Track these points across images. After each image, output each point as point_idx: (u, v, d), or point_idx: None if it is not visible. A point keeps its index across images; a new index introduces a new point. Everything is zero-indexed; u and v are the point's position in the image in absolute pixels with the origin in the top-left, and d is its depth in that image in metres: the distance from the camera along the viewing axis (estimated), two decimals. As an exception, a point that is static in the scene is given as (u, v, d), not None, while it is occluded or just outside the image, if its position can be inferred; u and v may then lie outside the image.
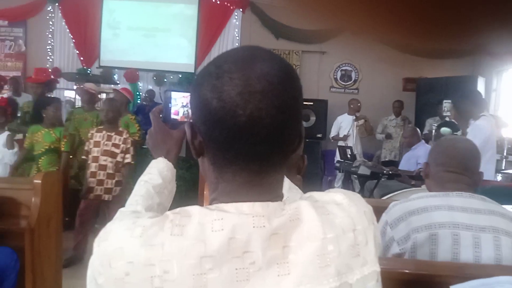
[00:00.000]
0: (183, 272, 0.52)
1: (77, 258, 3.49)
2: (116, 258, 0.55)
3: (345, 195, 0.63)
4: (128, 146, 3.52)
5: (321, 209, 0.59)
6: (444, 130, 3.99)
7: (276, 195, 0.61)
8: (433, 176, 1.30)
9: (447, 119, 4.55)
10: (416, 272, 1.00)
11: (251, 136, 0.57)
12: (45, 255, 2.09)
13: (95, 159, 3.45)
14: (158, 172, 0.93)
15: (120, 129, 3.62)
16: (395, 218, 1.22)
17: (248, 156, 0.59)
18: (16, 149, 3.39)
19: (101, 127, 3.58)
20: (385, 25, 0.22)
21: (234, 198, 0.59)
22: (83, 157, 3.59)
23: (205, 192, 2.18)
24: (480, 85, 6.26)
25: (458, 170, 1.25)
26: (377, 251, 0.62)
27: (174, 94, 1.15)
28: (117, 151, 3.48)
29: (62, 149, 3.65)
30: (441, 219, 1.15)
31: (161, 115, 1.05)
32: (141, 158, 4.06)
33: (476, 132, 3.44)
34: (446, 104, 4.35)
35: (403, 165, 4.43)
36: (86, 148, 3.53)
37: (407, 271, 1.00)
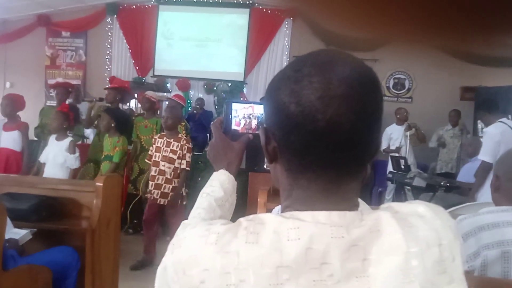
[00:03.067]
0: (259, 281, 0.51)
1: (147, 261, 3.61)
2: (191, 265, 0.54)
3: (429, 207, 0.59)
4: (185, 152, 3.61)
5: (403, 221, 0.55)
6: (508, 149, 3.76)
7: (353, 204, 0.59)
8: (504, 190, 1.22)
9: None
10: (490, 291, 0.94)
11: (330, 142, 0.55)
12: (104, 255, 2.17)
13: (156, 164, 3.58)
14: (220, 184, 0.92)
15: (179, 135, 3.72)
16: (463, 233, 1.15)
17: (325, 163, 0.57)
18: (77, 154, 3.57)
19: (163, 133, 3.70)
20: (441, 32, 0.21)
21: (309, 206, 0.57)
22: (146, 160, 3.74)
23: (259, 200, 2.18)
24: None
25: None
26: (464, 269, 0.58)
27: (235, 106, 1.16)
28: (175, 157, 3.58)
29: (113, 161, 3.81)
30: None
31: (222, 126, 1.05)
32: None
33: (486, 138, 3.36)
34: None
35: (462, 177, 4.19)
36: (150, 152, 3.68)
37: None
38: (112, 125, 3.76)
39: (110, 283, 2.28)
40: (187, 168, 3.63)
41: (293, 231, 0.53)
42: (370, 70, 0.57)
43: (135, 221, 4.28)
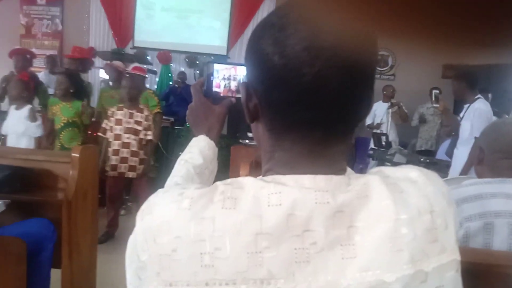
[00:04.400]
0: (236, 249, 0.47)
1: (110, 235, 3.57)
2: (162, 232, 0.49)
3: (421, 172, 0.55)
4: (150, 123, 3.55)
5: (394, 186, 0.52)
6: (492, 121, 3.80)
7: (340, 168, 0.54)
8: (488, 163, 1.21)
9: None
10: (472, 261, 0.93)
11: (316, 100, 0.50)
12: (82, 228, 2.12)
13: (118, 137, 3.48)
14: (199, 151, 0.87)
15: (141, 106, 3.63)
16: None
17: (311, 123, 0.52)
18: (39, 121, 3.45)
19: (121, 105, 3.59)
20: (421, 9, 0.19)
21: (293, 170, 0.52)
22: (99, 134, 3.60)
23: (240, 173, 2.15)
24: (525, 74, 5.96)
25: None
26: (457, 238, 0.55)
27: (216, 66, 1.09)
28: (140, 128, 3.51)
29: (84, 122, 3.69)
30: (497, 208, 1.07)
31: (202, 89, 0.99)
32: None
33: (477, 115, 3.30)
34: (435, 93, 4.10)
35: (441, 155, 4.27)
36: (103, 125, 3.55)
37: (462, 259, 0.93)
38: (71, 90, 3.61)
39: (88, 256, 2.24)
40: (154, 140, 3.58)
41: (275, 196, 0.49)
42: (366, 22, 0.52)
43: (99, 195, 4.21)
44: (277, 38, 0.50)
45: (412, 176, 0.54)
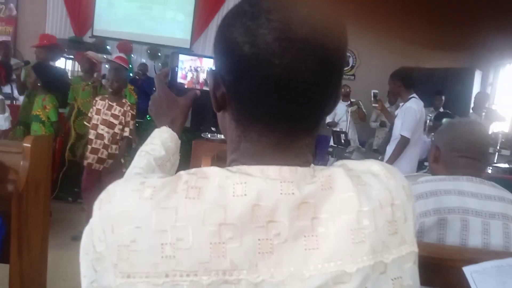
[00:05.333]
0: (199, 240, 0.46)
1: None
2: (121, 222, 0.48)
3: (383, 166, 0.56)
4: (128, 119, 3.44)
5: (357, 179, 0.52)
6: (446, 120, 3.97)
7: (305, 160, 0.54)
8: (445, 161, 1.25)
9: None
10: (427, 255, 0.96)
11: (286, 92, 0.49)
12: (32, 221, 2.02)
13: (94, 127, 3.38)
14: (161, 142, 0.85)
15: (123, 100, 3.52)
16: None
17: (279, 115, 0.51)
18: (7, 113, 3.28)
19: (106, 96, 3.49)
20: (383, 11, 0.20)
21: (259, 161, 0.52)
22: (85, 123, 3.51)
23: (202, 166, 2.12)
24: (477, 79, 6.26)
25: (475, 156, 1.21)
26: (415, 230, 0.56)
27: (182, 57, 1.07)
28: (115, 122, 3.40)
29: (50, 119, 3.55)
30: (450, 204, 1.12)
31: (167, 80, 0.97)
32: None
33: (408, 114, 3.45)
34: (374, 93, 4.27)
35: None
36: (89, 114, 3.46)
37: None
38: (38, 84, 3.47)
39: (39, 251, 2.14)
40: (130, 136, 3.47)
41: (240, 186, 0.48)
42: (337, 15, 0.52)
43: (76, 189, 4.07)
44: (249, 27, 0.49)
45: (374, 169, 0.55)
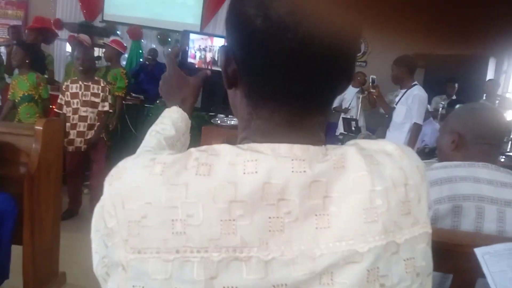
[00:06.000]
0: (209, 216, 0.46)
1: (73, 212, 3.48)
2: (131, 198, 0.47)
3: (397, 146, 0.55)
4: (107, 94, 3.45)
5: (370, 158, 0.51)
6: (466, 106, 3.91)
7: (317, 139, 0.53)
8: (467, 148, 1.20)
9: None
10: (438, 240, 0.95)
11: (298, 67, 0.48)
12: (44, 203, 2.05)
13: (75, 111, 3.37)
14: (172, 122, 0.85)
15: (96, 78, 3.53)
16: None
17: (292, 91, 0.50)
18: None
19: (75, 78, 3.47)
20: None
21: (270, 138, 0.51)
22: (56, 110, 3.48)
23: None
24: (491, 66, 6.15)
25: (496, 142, 1.18)
26: (429, 211, 0.55)
27: (192, 36, 1.06)
28: (97, 100, 3.42)
29: (42, 96, 3.55)
30: (466, 191, 1.10)
31: (177, 59, 0.96)
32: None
33: (420, 102, 3.47)
34: (372, 78, 4.22)
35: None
36: (59, 101, 3.42)
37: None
38: (27, 61, 3.45)
39: (50, 232, 2.17)
40: (110, 110, 3.49)
41: (251, 164, 0.47)
42: None
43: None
44: (261, 0, 0.48)
45: (388, 149, 0.54)
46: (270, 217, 0.46)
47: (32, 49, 3.65)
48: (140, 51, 6.47)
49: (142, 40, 6.65)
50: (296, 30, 0.46)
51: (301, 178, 0.48)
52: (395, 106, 3.72)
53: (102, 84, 3.46)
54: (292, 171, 0.48)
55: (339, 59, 0.50)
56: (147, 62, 5.96)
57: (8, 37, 5.38)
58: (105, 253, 0.49)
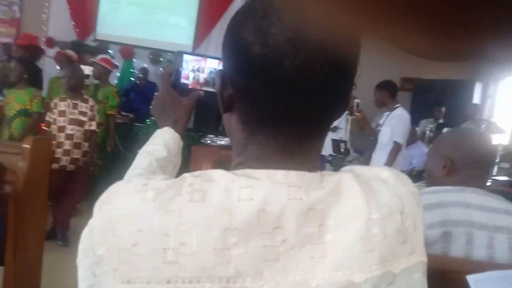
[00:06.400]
0: (203, 245, 0.44)
1: (54, 233, 3.40)
2: (122, 225, 0.46)
3: (392, 172, 0.55)
4: (95, 113, 3.43)
5: (366, 185, 0.51)
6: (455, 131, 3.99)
7: (313, 165, 0.53)
8: (460, 173, 1.20)
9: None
10: (430, 266, 0.95)
11: (296, 94, 0.48)
12: (29, 223, 2.00)
13: (62, 129, 3.34)
14: (163, 143, 0.83)
15: (85, 96, 3.51)
16: None
17: (288, 118, 0.50)
18: None
19: (64, 96, 3.44)
20: (384, 22, 0.20)
21: (265, 164, 0.50)
22: (44, 127, 3.45)
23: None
24: (477, 90, 6.28)
25: (487, 167, 1.19)
26: (423, 240, 0.55)
27: (186, 57, 1.06)
28: (85, 119, 3.39)
29: (33, 109, 3.51)
30: (456, 217, 1.09)
31: (170, 79, 0.96)
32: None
33: (401, 122, 3.65)
34: (357, 102, 4.35)
35: (398, 164, 4.39)
36: (48, 118, 3.39)
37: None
38: (25, 76, 3.43)
39: (34, 253, 2.12)
40: (97, 130, 3.47)
41: (246, 190, 0.46)
42: (351, 18, 0.50)
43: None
44: (260, 26, 0.48)
45: (383, 175, 0.54)
46: (265, 246, 0.45)
47: (30, 64, 3.64)
48: (132, 70, 6.47)
49: (134, 60, 6.67)
50: (293, 58, 0.46)
51: (297, 205, 0.47)
52: (379, 129, 3.84)
53: (90, 103, 3.43)
54: (288, 198, 0.47)
55: (336, 86, 0.50)
56: (138, 81, 5.97)
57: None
58: (92, 281, 0.48)
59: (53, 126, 3.35)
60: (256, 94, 0.50)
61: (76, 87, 3.41)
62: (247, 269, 0.45)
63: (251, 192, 0.47)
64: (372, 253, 0.47)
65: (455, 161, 1.21)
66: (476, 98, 6.36)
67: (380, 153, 3.71)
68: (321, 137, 0.55)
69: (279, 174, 0.49)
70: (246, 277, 0.45)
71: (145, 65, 6.60)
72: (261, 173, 0.49)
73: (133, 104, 5.31)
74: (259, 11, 0.48)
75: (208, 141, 3.98)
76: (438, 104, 5.73)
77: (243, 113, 0.53)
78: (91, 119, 3.41)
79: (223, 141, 3.96)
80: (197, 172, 0.50)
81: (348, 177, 0.51)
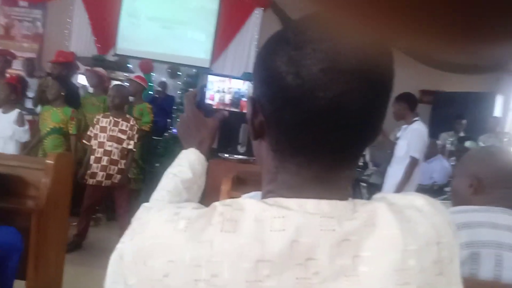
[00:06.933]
0: (235, 277, 0.43)
1: (77, 245, 3.45)
2: (154, 255, 0.46)
3: (427, 200, 0.53)
4: (134, 133, 3.48)
5: (400, 214, 0.49)
6: (471, 143, 3.91)
7: (344, 194, 0.51)
8: (488, 192, 1.16)
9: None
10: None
11: (330, 124, 0.47)
12: (51, 238, 2.02)
13: (101, 145, 3.41)
14: (189, 164, 0.83)
15: (127, 116, 3.57)
16: None
17: (321, 147, 0.49)
18: (26, 126, 3.35)
19: (108, 113, 3.52)
20: (404, 32, 0.19)
21: (297, 193, 0.49)
22: (84, 141, 3.53)
23: (222, 187, 2.09)
24: (498, 103, 6.16)
25: None
26: (460, 272, 0.53)
27: (211, 78, 1.05)
28: (124, 137, 3.44)
29: (70, 131, 3.59)
30: (484, 238, 1.06)
31: (195, 100, 0.96)
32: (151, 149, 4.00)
33: (418, 136, 3.53)
34: None
35: (418, 178, 4.32)
36: (89, 133, 3.48)
37: None
38: (62, 93, 3.52)
39: (54, 268, 2.14)
40: (134, 149, 3.51)
41: (278, 221, 0.45)
42: (386, 43, 0.48)
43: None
44: (293, 56, 0.47)
45: (417, 204, 0.52)
46: (297, 278, 0.44)
47: (67, 82, 3.73)
48: (150, 84, 6.56)
49: (153, 74, 6.76)
50: (327, 88, 0.45)
51: (330, 236, 0.46)
52: (396, 141, 3.76)
53: (131, 123, 3.50)
54: (321, 229, 0.46)
55: (371, 115, 0.49)
56: (156, 95, 6.05)
57: (21, 69, 5.51)
58: None
59: (94, 141, 3.43)
60: (288, 124, 0.49)
61: (119, 106, 3.49)
62: None
63: (284, 222, 0.46)
64: (408, 286, 0.46)
65: (482, 179, 1.17)
66: (497, 111, 6.24)
67: (396, 167, 3.62)
68: (354, 166, 0.53)
69: (311, 203, 0.48)
70: None
71: (164, 79, 6.69)
72: (293, 202, 0.48)
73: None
74: (292, 41, 0.48)
75: (226, 155, 3.98)
76: (458, 117, 5.63)
77: (274, 141, 0.52)
78: (130, 138, 3.47)
79: (241, 155, 3.96)
80: (228, 201, 0.49)
81: (382, 207, 0.49)
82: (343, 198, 0.50)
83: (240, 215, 0.46)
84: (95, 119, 3.52)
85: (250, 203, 0.48)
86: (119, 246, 0.51)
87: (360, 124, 0.48)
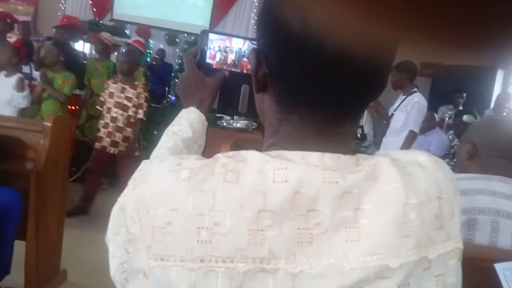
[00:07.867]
0: (237, 225, 0.44)
1: (82, 210, 3.46)
2: (156, 204, 0.46)
3: (430, 157, 0.53)
4: (141, 101, 3.43)
5: (403, 169, 0.49)
6: (468, 117, 3.90)
7: (347, 148, 0.51)
8: (481, 159, 1.18)
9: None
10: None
11: (336, 75, 0.46)
12: (50, 200, 2.04)
13: (108, 110, 3.39)
14: (189, 123, 0.83)
15: (136, 82, 3.51)
16: None
17: (326, 99, 0.48)
18: (26, 92, 3.32)
19: (118, 78, 3.48)
20: (405, 7, 0.19)
21: (300, 146, 0.49)
22: (98, 107, 3.52)
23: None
24: (499, 78, 6.14)
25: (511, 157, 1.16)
26: (461, 226, 0.53)
27: (211, 36, 1.04)
28: (129, 104, 3.40)
29: (63, 91, 3.57)
30: (481, 204, 1.08)
31: (196, 59, 0.94)
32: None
33: (419, 109, 3.43)
34: None
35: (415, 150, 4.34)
36: (101, 98, 3.46)
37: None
38: (61, 58, 3.48)
39: (55, 230, 2.16)
40: (144, 118, 3.47)
41: (280, 172, 0.45)
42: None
43: (73, 169, 4.12)
44: (300, 2, 0.46)
45: (420, 160, 0.52)
46: (299, 228, 0.45)
47: (66, 47, 3.67)
48: (148, 51, 6.47)
49: (150, 40, 6.65)
50: (335, 37, 0.44)
51: (332, 188, 0.46)
52: (393, 112, 3.68)
53: (138, 90, 3.42)
54: (324, 181, 0.46)
55: (377, 68, 0.48)
56: (154, 62, 5.97)
57: (17, 32, 5.40)
58: (125, 258, 0.48)
59: (105, 106, 3.41)
60: (293, 74, 0.48)
61: (127, 72, 3.42)
62: (281, 251, 0.44)
63: (286, 174, 0.45)
64: (408, 238, 0.46)
65: (478, 146, 1.19)
66: (498, 85, 6.22)
67: (391, 138, 3.55)
68: (357, 120, 0.53)
69: (314, 156, 0.48)
70: (280, 258, 0.44)
71: (162, 46, 6.60)
72: (296, 155, 0.48)
73: (149, 85, 5.33)
74: None
75: (224, 124, 3.97)
76: (458, 91, 5.61)
77: (278, 93, 0.51)
78: (136, 106, 3.41)
79: (239, 123, 3.95)
80: (230, 153, 0.49)
81: (385, 161, 0.49)
82: (346, 152, 0.50)
83: (242, 167, 0.46)
84: (106, 84, 3.48)
85: (253, 155, 0.47)
86: (121, 199, 0.51)
87: (365, 77, 0.48)
